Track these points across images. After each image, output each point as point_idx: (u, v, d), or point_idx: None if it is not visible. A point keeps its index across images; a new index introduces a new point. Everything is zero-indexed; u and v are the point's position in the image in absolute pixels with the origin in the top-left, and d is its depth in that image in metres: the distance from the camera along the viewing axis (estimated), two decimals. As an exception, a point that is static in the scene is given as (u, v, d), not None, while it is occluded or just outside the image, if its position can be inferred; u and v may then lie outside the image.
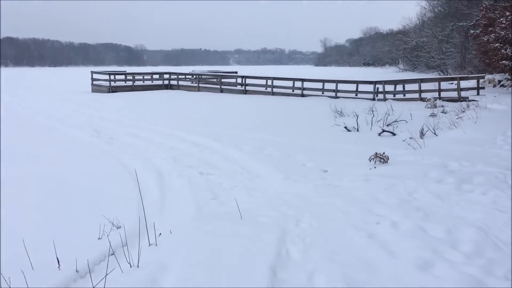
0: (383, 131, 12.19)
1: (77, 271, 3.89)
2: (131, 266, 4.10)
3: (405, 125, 13.52)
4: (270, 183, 7.51)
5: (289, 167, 8.56)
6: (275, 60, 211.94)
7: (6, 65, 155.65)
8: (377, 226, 4.87)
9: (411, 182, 6.64)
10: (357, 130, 13.04)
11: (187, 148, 10.97)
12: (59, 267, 3.96)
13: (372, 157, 8.19)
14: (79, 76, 57.66)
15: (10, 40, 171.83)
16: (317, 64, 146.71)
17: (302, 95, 25.59)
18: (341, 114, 16.34)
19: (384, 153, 8.22)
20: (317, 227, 4.90)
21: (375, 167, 7.92)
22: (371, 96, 22.92)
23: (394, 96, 22.53)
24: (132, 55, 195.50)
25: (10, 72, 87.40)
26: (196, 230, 4.93)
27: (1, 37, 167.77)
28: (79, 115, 17.98)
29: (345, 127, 13.20)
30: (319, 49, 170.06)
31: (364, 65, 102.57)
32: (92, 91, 31.56)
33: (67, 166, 8.89)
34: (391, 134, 12.11)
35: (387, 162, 8.05)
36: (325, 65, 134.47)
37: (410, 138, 10.88)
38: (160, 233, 4.97)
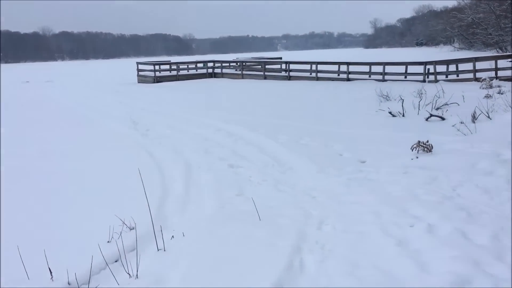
0: (431, 115, 11.34)
1: (69, 283, 3.60)
2: (130, 277, 3.76)
3: (456, 108, 12.56)
4: (301, 176, 7.01)
5: (324, 158, 8.02)
6: (323, 44, 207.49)
7: (63, 59, 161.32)
8: (410, 231, 4.26)
9: (456, 175, 5.93)
10: (403, 115, 12.23)
11: (222, 138, 10.62)
12: (51, 278, 3.67)
13: (415, 146, 7.49)
14: (129, 67, 58.78)
15: (66, 34, 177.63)
16: (367, 46, 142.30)
17: (348, 79, 24.67)
18: (387, 98, 15.47)
19: (428, 141, 7.49)
20: (340, 231, 4.36)
21: (417, 157, 7.22)
22: (421, 78, 21.70)
23: (447, 77, 21.21)
24: (181, 45, 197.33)
25: (66, 66, 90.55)
26: (209, 234, 4.53)
27: (57, 32, 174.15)
28: (121, 106, 18.05)
29: (390, 112, 12.41)
30: (369, 30, 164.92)
31: (417, 45, 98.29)
32: (138, 82, 31.91)
33: (95, 160, 8.75)
34: (439, 119, 11.25)
35: (431, 151, 7.33)
36: (375, 47, 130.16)
37: (461, 122, 10.03)
38: (173, 236, 4.62)
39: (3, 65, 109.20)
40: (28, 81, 38.08)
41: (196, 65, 34.28)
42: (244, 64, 32.18)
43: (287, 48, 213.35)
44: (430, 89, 16.60)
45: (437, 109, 12.67)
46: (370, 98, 16.03)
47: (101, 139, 11.04)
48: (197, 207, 5.68)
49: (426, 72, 21.64)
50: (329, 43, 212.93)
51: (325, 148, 8.94)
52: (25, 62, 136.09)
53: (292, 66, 28.58)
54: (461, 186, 5.53)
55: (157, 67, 31.50)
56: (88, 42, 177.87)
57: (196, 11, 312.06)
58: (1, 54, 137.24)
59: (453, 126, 9.98)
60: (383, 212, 4.74)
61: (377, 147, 8.66)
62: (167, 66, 32.82)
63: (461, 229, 4.18)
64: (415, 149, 7.46)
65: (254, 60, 33.86)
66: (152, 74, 31.06)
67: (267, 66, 30.94)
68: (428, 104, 13.34)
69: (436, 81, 20.50)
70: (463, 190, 5.38)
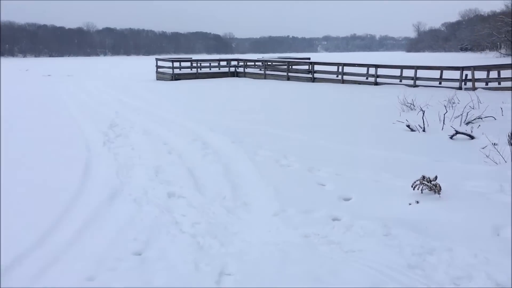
0: (457, 132, 9.00)
1: None
2: None
3: (491, 124, 10.23)
4: (250, 220, 4.96)
5: (297, 191, 5.95)
6: (364, 47, 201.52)
7: (105, 54, 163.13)
8: None
9: (465, 250, 3.67)
10: (423, 130, 9.94)
11: (191, 151, 8.69)
12: None
13: (418, 182, 5.27)
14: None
15: (109, 30, 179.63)
16: (409, 50, 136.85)
17: (376, 83, 22.28)
18: (410, 107, 13.12)
19: (436, 178, 5.23)
20: None
21: (417, 202, 5.01)
22: (457, 84, 19.09)
23: (486, 84, 18.54)
24: (221, 43, 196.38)
25: (102, 61, 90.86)
26: None
27: (101, 28, 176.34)
28: (116, 105, 16.41)
29: (408, 126, 10.13)
30: (412, 34, 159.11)
31: (461, 50, 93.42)
32: (157, 79, 30.44)
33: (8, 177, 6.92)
34: (467, 137, 8.90)
35: (440, 193, 5.09)
36: (417, 51, 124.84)
37: (494, 144, 7.70)
38: None
39: (46, 59, 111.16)
40: (49, 75, 37.33)
41: (219, 63, 32.51)
42: (267, 63, 30.08)
43: (327, 49, 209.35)
44: (464, 97, 14.11)
45: (467, 123, 10.33)
46: (393, 106, 13.72)
47: (45, 146, 9.26)
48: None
49: (464, 78, 18.99)
50: (371, 46, 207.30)
51: (307, 173, 6.82)
52: (68, 56, 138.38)
53: (317, 68, 26.37)
54: (470, 278, 3.27)
55: (176, 64, 29.86)
56: (130, 39, 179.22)
57: (237, 10, 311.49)
58: (43, 48, 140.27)
59: (483, 148, 7.68)
60: None
61: (375, 175, 6.51)
62: (188, 63, 31.11)
63: None
64: (417, 187, 5.24)
65: (279, 60, 31.72)
66: (170, 71, 29.44)
67: (293, 67, 28.78)
68: (458, 116, 10.98)
69: (474, 88, 17.87)
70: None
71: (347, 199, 5.56)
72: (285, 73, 27.99)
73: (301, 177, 6.64)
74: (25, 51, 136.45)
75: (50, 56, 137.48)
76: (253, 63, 32.29)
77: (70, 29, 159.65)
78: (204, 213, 5.24)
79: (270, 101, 17.14)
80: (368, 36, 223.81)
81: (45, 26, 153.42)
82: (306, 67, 28.51)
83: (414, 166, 6.93)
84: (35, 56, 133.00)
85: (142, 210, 5.35)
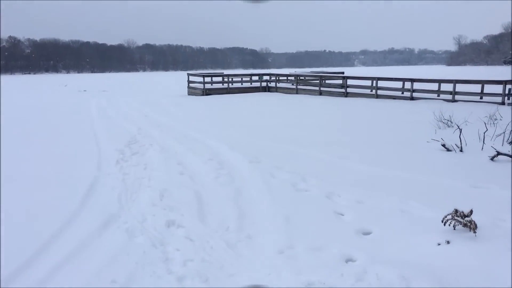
0: (498, 153, 8.07)
1: None
2: None
3: (538, 144, 9.19)
4: (250, 258, 4.30)
5: (310, 222, 5.25)
6: (403, 60, 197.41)
7: (144, 70, 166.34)
8: None
9: None
10: (461, 150, 9.03)
11: (205, 171, 8.13)
12: None
13: (449, 217, 4.47)
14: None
15: (148, 46, 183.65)
16: (449, 64, 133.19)
17: (412, 98, 21.23)
18: (447, 123, 12.17)
19: (471, 212, 4.42)
20: None
21: (447, 242, 4.22)
22: (499, 99, 17.88)
23: (532, 99, 17.26)
24: (257, 58, 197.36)
25: (140, 76, 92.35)
26: None
27: (141, 44, 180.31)
28: (141, 121, 16.12)
29: (443, 145, 9.24)
30: (453, 47, 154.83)
31: (505, 63, 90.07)
32: (188, 94, 30.29)
33: None
34: (511, 159, 7.96)
35: (475, 231, 4.28)
36: (458, 64, 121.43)
37: (542, 168, 6.78)
38: None
39: (87, 75, 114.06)
40: (85, 90, 37.94)
41: (250, 78, 32.10)
42: (300, 78, 29.42)
43: (364, 63, 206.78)
44: (508, 113, 13.09)
45: (511, 143, 9.33)
46: (428, 123, 12.82)
47: (57, 163, 8.91)
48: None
49: (507, 92, 17.77)
50: (409, 60, 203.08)
51: (326, 200, 6.11)
52: (109, 72, 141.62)
53: (351, 82, 25.50)
54: None
55: (207, 79, 29.63)
56: (168, 55, 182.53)
57: (274, 26, 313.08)
58: (86, 64, 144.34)
59: (529, 173, 6.78)
60: None
61: (402, 203, 5.74)
62: (220, 78, 30.85)
63: None
64: (449, 222, 4.44)
65: (311, 74, 31.00)
66: (201, 86, 29.21)
67: (326, 81, 28.00)
68: (500, 134, 10.02)
69: (518, 104, 16.65)
70: None
71: (366, 233, 4.82)
72: (317, 88, 27.26)
73: (318, 204, 5.93)
74: (68, 67, 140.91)
75: (92, 72, 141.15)
76: (285, 78, 31.78)
77: (111, 46, 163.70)
78: (201, 247, 4.62)
79: (299, 117, 16.45)
80: (407, 49, 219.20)
81: (88, 43, 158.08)
82: (339, 81, 27.69)
83: (448, 193, 6.14)
84: (78, 72, 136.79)
85: (133, 242, 4.78)
